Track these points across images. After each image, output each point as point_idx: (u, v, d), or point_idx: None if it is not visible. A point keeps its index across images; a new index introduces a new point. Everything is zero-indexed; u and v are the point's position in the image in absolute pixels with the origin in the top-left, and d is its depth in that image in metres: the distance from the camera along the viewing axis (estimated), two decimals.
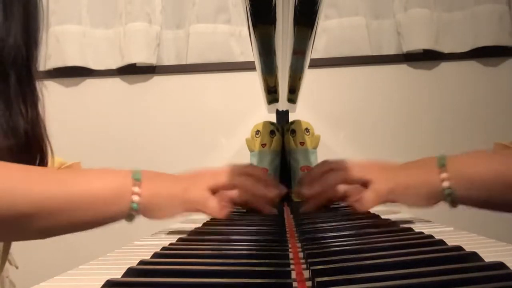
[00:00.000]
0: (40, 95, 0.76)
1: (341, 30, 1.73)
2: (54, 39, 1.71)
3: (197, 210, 0.68)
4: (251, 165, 0.78)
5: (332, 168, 0.76)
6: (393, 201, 0.69)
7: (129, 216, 0.63)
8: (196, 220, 0.77)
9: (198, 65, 1.74)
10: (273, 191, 0.77)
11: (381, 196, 0.69)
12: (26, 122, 0.70)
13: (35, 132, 0.73)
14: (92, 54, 1.74)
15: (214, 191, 0.69)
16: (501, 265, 0.32)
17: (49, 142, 0.79)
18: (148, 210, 0.64)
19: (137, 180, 0.63)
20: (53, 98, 1.91)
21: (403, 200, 0.68)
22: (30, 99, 0.73)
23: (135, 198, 0.63)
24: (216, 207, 0.67)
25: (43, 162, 0.74)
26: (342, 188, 0.74)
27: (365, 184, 0.70)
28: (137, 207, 0.63)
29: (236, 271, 0.36)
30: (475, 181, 0.63)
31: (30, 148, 0.72)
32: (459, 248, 0.39)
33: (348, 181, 0.72)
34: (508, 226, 1.33)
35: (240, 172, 0.73)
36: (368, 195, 0.69)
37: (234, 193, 0.72)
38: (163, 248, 0.48)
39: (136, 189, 0.63)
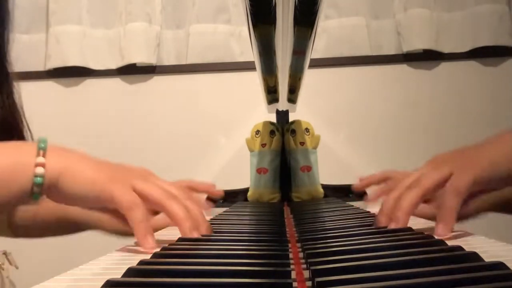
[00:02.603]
0: (15, 85, 0.74)
1: (341, 30, 1.73)
2: (54, 39, 1.71)
3: (110, 208, 0.55)
4: (195, 196, 0.62)
5: (402, 191, 0.60)
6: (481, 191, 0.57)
7: (33, 195, 0.52)
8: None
9: (198, 65, 1.74)
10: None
11: (465, 188, 0.55)
12: (3, 110, 0.68)
13: (13, 120, 0.73)
14: (92, 54, 1.74)
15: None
16: (501, 265, 0.32)
17: (30, 130, 0.77)
18: (55, 188, 0.53)
19: (41, 150, 0.53)
20: (53, 98, 1.92)
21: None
22: (6, 89, 0.72)
23: (39, 170, 0.52)
24: (142, 223, 0.52)
25: None
26: (426, 209, 0.63)
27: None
28: (41, 181, 0.52)
29: (236, 271, 0.36)
30: None
31: (8, 135, 0.71)
32: (459, 248, 0.39)
33: (426, 195, 0.58)
34: (508, 226, 1.33)
35: (179, 195, 0.57)
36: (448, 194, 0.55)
37: (158, 218, 0.60)
38: (163, 248, 0.48)
39: (40, 159, 0.52)
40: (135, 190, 0.54)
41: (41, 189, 0.52)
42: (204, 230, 0.55)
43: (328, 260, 0.37)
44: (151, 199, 0.54)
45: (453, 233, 0.53)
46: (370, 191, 0.99)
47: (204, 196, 0.98)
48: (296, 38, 0.69)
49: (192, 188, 0.92)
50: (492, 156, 0.58)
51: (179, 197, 0.56)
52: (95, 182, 0.54)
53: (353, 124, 1.73)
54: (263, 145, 1.13)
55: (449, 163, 0.58)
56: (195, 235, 0.53)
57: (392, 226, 0.54)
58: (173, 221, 0.54)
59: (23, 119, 0.76)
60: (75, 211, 0.78)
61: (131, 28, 1.71)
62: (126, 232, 0.69)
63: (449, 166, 0.57)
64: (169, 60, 1.77)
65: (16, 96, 0.74)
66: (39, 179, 0.52)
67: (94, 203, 0.55)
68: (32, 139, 0.75)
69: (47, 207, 0.80)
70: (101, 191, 0.53)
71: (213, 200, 1.01)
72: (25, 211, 0.82)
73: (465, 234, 0.54)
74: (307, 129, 1.14)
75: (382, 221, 0.57)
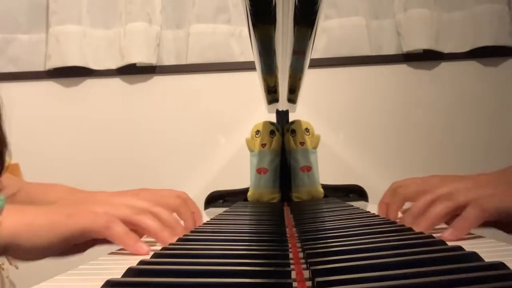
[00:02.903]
0: None
1: (341, 30, 1.73)
2: (54, 39, 1.71)
3: (88, 238, 0.52)
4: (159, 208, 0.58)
5: (436, 198, 0.59)
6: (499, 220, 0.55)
7: None
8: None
9: (198, 65, 1.74)
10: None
11: (493, 211, 0.53)
12: None
13: None
14: (92, 54, 1.74)
15: None
16: (501, 265, 0.32)
17: (4, 137, 0.75)
18: (11, 246, 0.50)
19: None
20: (53, 98, 1.92)
21: None
22: None
23: None
24: (126, 234, 0.51)
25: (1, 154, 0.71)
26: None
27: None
28: None
29: (236, 271, 0.36)
30: None
31: None
32: (459, 248, 0.39)
33: (456, 209, 0.56)
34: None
35: (145, 208, 0.56)
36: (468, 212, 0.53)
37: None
38: (163, 248, 0.48)
39: None
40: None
41: None
42: (179, 232, 0.55)
43: (328, 260, 0.37)
44: (120, 218, 0.52)
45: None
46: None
47: None
48: (296, 38, 0.69)
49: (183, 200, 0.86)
50: (506, 191, 0.55)
51: (146, 208, 0.56)
52: (56, 225, 0.51)
53: (353, 124, 1.73)
54: (263, 145, 1.13)
55: (492, 187, 0.56)
56: (175, 240, 0.52)
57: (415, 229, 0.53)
58: (150, 234, 0.54)
59: (2, 124, 0.74)
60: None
61: (131, 28, 1.71)
62: None
63: (492, 190, 0.55)
64: (169, 60, 1.77)
65: None
66: None
67: (63, 246, 0.52)
68: (6, 146, 0.73)
69: (22, 200, 0.75)
70: (66, 230, 0.51)
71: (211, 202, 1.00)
72: None
73: (465, 234, 0.54)
74: (307, 129, 1.14)
75: (408, 222, 0.56)
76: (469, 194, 0.55)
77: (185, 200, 0.72)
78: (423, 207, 0.57)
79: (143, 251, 0.50)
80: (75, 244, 0.52)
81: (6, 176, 0.75)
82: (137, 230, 0.54)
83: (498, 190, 0.55)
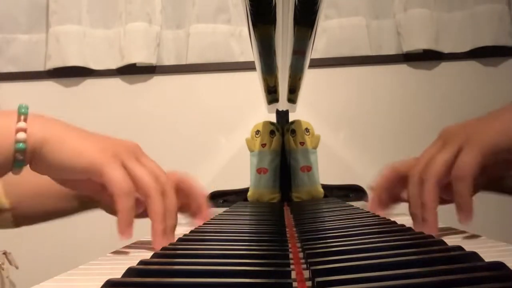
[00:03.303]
0: None
1: (341, 30, 1.73)
2: (54, 39, 1.71)
3: (95, 182, 0.51)
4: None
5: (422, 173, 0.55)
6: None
7: (16, 163, 0.50)
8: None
9: (198, 65, 1.74)
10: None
11: (472, 170, 0.50)
12: None
13: None
14: (92, 54, 1.74)
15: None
16: (501, 265, 0.32)
17: None
18: (38, 157, 0.50)
19: (22, 115, 0.51)
20: (53, 98, 1.92)
21: None
22: None
23: (20, 135, 0.49)
24: (130, 212, 0.50)
25: None
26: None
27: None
28: (24, 147, 0.49)
29: (236, 271, 0.36)
30: None
31: None
32: (459, 248, 0.39)
33: (441, 181, 0.53)
34: (508, 226, 1.33)
35: (166, 185, 0.55)
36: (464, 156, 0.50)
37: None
38: (163, 248, 0.48)
39: (21, 124, 0.50)
40: (126, 169, 0.52)
41: (24, 156, 0.50)
42: (170, 230, 0.54)
43: (328, 260, 0.37)
44: (140, 185, 0.52)
45: (452, 233, 0.53)
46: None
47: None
48: (296, 38, 0.69)
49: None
50: (503, 123, 0.54)
51: (166, 187, 0.55)
52: (83, 153, 0.51)
53: (353, 124, 1.73)
54: (263, 145, 1.13)
55: (457, 137, 0.54)
56: (163, 241, 0.51)
57: (426, 230, 0.51)
58: (150, 216, 0.53)
59: None
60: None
61: (131, 28, 1.71)
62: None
63: (456, 141, 0.53)
64: (169, 60, 1.77)
65: None
66: (21, 145, 0.49)
67: (81, 175, 0.52)
68: None
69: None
70: (90, 163, 0.50)
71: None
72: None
73: (465, 234, 0.54)
74: (307, 129, 1.14)
75: (419, 227, 0.54)
76: (439, 160, 0.53)
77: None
78: (417, 202, 0.55)
79: (128, 236, 0.50)
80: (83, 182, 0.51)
81: None
82: (141, 200, 0.53)
83: (464, 138, 0.53)
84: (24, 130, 0.49)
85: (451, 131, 0.57)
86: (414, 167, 0.57)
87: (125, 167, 0.52)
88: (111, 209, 0.55)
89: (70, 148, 0.51)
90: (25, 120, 0.50)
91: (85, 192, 0.57)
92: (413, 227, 0.54)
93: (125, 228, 0.50)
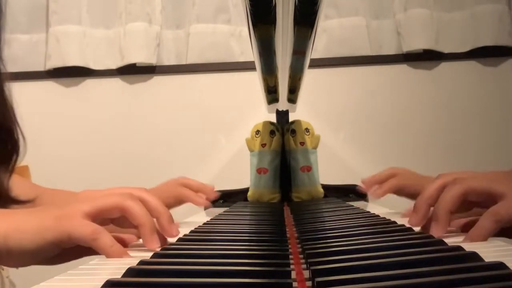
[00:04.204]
0: (7, 84, 0.72)
1: (341, 30, 1.73)
2: (54, 39, 1.71)
3: (76, 244, 0.51)
4: (144, 190, 0.58)
5: (446, 182, 0.54)
6: None
7: None
8: (195, 222, 0.77)
9: (198, 65, 1.74)
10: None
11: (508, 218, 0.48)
12: None
13: (2, 119, 0.71)
14: (92, 54, 1.74)
15: (95, 218, 0.52)
16: (501, 265, 0.32)
17: (21, 132, 0.74)
18: (4, 252, 0.49)
19: None
20: (53, 98, 1.92)
21: None
22: None
23: None
24: (113, 246, 0.50)
25: (14, 147, 0.70)
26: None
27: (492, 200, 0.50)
28: None
29: (236, 271, 0.36)
30: None
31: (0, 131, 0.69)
32: (459, 248, 0.39)
33: (469, 194, 0.52)
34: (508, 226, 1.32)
35: (130, 195, 0.55)
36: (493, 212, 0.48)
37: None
38: (163, 248, 0.48)
39: None
40: (88, 214, 0.51)
41: None
42: (166, 221, 0.54)
43: (328, 260, 0.37)
44: (109, 209, 0.52)
45: (452, 233, 0.53)
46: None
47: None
48: (296, 38, 0.69)
49: (187, 185, 0.92)
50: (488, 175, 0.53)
51: (134, 194, 0.55)
52: (44, 228, 0.50)
53: (353, 124, 1.73)
54: (263, 145, 1.13)
55: (504, 183, 0.51)
56: (155, 241, 0.51)
57: (433, 228, 0.50)
58: (135, 222, 0.53)
59: (14, 119, 0.74)
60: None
61: (131, 28, 1.71)
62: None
63: (504, 186, 0.50)
64: (169, 60, 1.77)
65: (7, 94, 0.73)
66: None
67: (52, 251, 0.51)
68: (24, 140, 0.72)
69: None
70: (54, 235, 0.50)
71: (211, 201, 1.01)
72: None
73: (465, 234, 0.53)
74: (307, 129, 1.14)
75: (415, 221, 0.54)
76: (481, 182, 0.51)
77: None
78: (434, 193, 0.54)
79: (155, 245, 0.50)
80: (64, 250, 0.52)
81: (17, 179, 0.74)
82: (126, 217, 0.53)
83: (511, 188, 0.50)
84: None
85: (498, 175, 0.56)
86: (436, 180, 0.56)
87: (87, 214, 0.51)
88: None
89: (30, 230, 0.50)
90: None
91: (70, 259, 0.56)
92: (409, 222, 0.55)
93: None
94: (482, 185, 0.51)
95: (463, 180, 0.52)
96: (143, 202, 0.54)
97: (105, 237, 0.50)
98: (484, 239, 0.48)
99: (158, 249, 0.48)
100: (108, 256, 0.50)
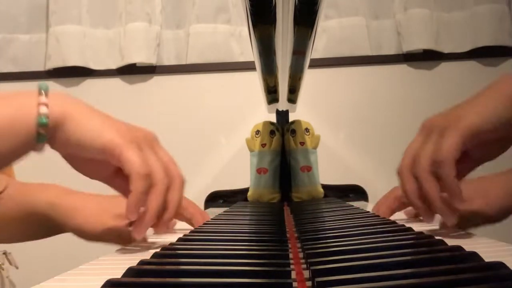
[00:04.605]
0: None
1: (341, 30, 1.73)
2: (54, 39, 1.71)
3: (110, 156, 0.52)
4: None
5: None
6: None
7: (39, 137, 0.50)
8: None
9: (198, 65, 1.74)
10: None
11: (450, 155, 0.50)
12: None
13: None
14: (92, 54, 1.74)
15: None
16: (501, 265, 0.32)
17: None
18: (60, 132, 0.50)
19: (43, 90, 0.51)
20: None
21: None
22: None
23: (42, 109, 0.50)
24: (142, 195, 0.51)
25: None
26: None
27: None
28: (46, 121, 0.49)
29: (236, 271, 0.36)
30: None
31: None
32: (459, 248, 0.39)
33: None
34: (508, 226, 1.32)
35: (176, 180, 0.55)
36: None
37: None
38: (163, 248, 0.48)
39: (42, 98, 0.50)
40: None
41: (46, 130, 0.50)
42: (163, 223, 0.54)
43: (328, 260, 0.37)
44: (150, 174, 0.52)
45: (454, 234, 0.53)
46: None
47: None
48: (296, 38, 0.69)
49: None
50: (481, 105, 0.54)
51: (175, 181, 0.55)
52: (103, 132, 0.52)
53: (353, 124, 1.73)
54: (263, 145, 1.13)
55: (438, 126, 0.54)
56: (143, 232, 0.52)
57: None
58: (147, 205, 0.52)
59: None
60: (44, 206, 0.71)
61: (131, 28, 1.71)
62: (102, 238, 0.67)
63: (437, 130, 0.53)
64: (169, 60, 1.77)
65: None
66: (43, 118, 0.49)
67: (99, 154, 0.52)
68: None
69: (9, 198, 0.74)
70: (109, 143, 0.51)
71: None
72: None
73: (465, 234, 0.54)
74: (307, 129, 1.14)
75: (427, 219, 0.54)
76: (424, 157, 0.53)
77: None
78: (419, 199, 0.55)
79: (133, 217, 0.51)
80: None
81: None
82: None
83: (444, 125, 0.53)
84: (46, 105, 0.50)
85: (432, 121, 0.57)
86: (402, 164, 0.58)
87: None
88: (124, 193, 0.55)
89: (91, 126, 0.51)
90: (46, 95, 0.50)
91: (96, 177, 0.57)
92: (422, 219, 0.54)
93: (133, 208, 0.51)
94: (427, 159, 0.53)
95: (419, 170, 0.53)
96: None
97: (144, 184, 0.51)
98: (456, 186, 0.50)
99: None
100: (129, 196, 0.51)
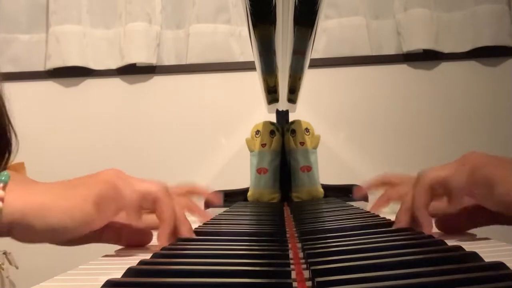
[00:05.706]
0: None
1: (341, 30, 1.73)
2: (54, 39, 1.71)
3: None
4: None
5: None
6: None
7: None
8: (195, 221, 0.77)
9: (198, 65, 1.74)
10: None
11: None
12: None
13: None
14: (92, 54, 1.74)
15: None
16: (501, 265, 0.32)
17: (14, 130, 0.73)
18: (21, 225, 0.45)
19: (1, 182, 0.46)
20: (53, 98, 1.92)
21: None
22: None
23: None
24: (173, 211, 0.52)
25: (7, 145, 0.70)
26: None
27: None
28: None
29: (236, 271, 0.36)
30: None
31: None
32: (459, 248, 0.39)
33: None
34: (508, 226, 1.32)
35: (167, 190, 0.54)
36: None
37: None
38: (163, 248, 0.48)
39: None
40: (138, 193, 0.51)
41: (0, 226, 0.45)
42: (185, 231, 0.54)
43: (328, 260, 0.37)
44: (150, 193, 0.52)
45: (454, 234, 0.53)
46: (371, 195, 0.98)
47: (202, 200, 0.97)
48: (296, 38, 0.69)
49: (191, 192, 0.91)
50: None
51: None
52: (73, 210, 0.47)
53: (353, 124, 1.73)
54: (263, 145, 1.13)
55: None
56: (168, 241, 0.51)
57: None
58: (161, 215, 0.52)
59: (6, 118, 0.73)
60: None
61: (131, 28, 1.71)
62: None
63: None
64: (169, 60, 1.77)
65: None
66: None
67: (77, 232, 0.48)
68: (16, 138, 0.72)
69: None
70: (84, 218, 0.47)
71: (209, 206, 1.01)
72: None
73: (465, 234, 0.54)
74: (307, 129, 1.14)
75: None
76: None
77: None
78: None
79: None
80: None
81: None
82: (155, 208, 0.52)
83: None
84: (1, 199, 0.45)
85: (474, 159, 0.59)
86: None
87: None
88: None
89: (58, 211, 0.47)
90: (3, 188, 0.46)
91: (86, 243, 0.55)
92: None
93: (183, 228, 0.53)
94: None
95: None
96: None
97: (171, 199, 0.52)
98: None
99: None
100: (163, 221, 0.51)
